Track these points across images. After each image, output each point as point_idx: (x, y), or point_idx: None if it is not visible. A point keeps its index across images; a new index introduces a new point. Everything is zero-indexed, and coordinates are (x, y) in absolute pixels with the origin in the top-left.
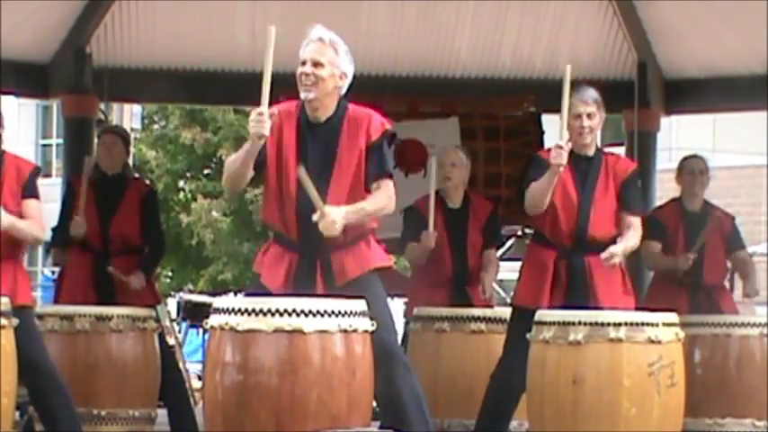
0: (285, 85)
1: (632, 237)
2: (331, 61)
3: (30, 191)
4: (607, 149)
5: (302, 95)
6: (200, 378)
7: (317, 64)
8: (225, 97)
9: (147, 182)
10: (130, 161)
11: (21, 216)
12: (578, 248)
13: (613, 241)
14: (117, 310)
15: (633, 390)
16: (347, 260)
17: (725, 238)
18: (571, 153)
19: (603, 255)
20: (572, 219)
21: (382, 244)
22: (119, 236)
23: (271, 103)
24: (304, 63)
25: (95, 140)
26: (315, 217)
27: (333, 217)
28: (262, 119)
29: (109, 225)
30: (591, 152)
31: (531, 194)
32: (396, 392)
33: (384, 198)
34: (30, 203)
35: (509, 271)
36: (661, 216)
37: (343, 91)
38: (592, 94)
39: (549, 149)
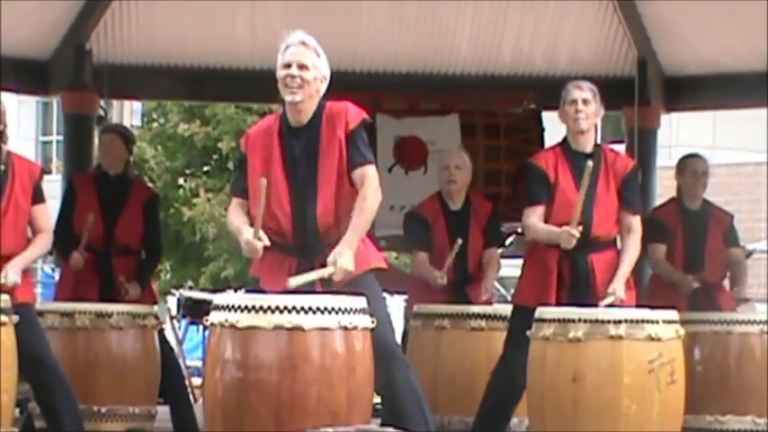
0: None
1: (632, 249)
2: (314, 64)
3: (39, 195)
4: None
5: (287, 98)
6: (200, 375)
7: (302, 66)
8: (225, 94)
9: (147, 180)
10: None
11: (30, 220)
12: (581, 247)
13: (614, 240)
14: (117, 306)
15: (633, 387)
16: None
17: (724, 236)
18: (570, 149)
19: (605, 301)
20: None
21: (382, 241)
22: (122, 239)
23: (273, 101)
24: (288, 66)
25: (95, 138)
26: (327, 273)
27: (342, 265)
28: (254, 245)
29: (113, 227)
30: (589, 148)
31: (532, 231)
32: (395, 390)
33: (371, 200)
34: (39, 210)
35: (509, 267)
36: (661, 216)
37: (322, 93)
38: (587, 83)
39: (545, 150)
